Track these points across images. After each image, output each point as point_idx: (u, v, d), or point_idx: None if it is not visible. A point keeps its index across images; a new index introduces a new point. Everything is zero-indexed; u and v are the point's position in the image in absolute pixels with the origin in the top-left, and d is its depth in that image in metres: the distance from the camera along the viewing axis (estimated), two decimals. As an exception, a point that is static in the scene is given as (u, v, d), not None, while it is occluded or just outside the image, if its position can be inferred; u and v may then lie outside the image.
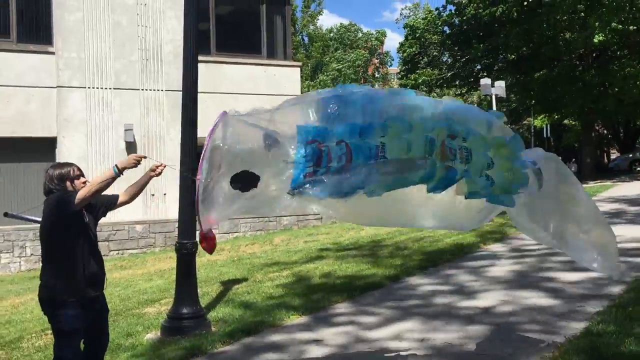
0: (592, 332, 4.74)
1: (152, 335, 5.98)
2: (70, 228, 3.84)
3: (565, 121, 36.98)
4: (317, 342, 5.29)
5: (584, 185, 22.04)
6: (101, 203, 4.12)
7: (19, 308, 8.78)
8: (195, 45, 6.36)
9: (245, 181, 3.49)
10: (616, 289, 6.19)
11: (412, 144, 3.29)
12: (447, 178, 3.37)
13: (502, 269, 7.88)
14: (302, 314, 6.26)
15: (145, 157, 3.87)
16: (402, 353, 4.79)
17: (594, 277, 6.56)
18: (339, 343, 5.21)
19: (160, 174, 4.13)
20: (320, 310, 6.39)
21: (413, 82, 37.03)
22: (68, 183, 3.93)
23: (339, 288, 7.23)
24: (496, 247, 9.72)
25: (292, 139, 3.38)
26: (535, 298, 6.20)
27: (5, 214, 4.51)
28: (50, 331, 6.63)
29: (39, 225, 4.03)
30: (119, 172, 3.75)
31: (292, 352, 5.04)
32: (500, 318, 5.59)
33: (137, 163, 3.77)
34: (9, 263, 13.34)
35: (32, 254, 13.45)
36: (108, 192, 3.93)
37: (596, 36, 23.83)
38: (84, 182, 4.00)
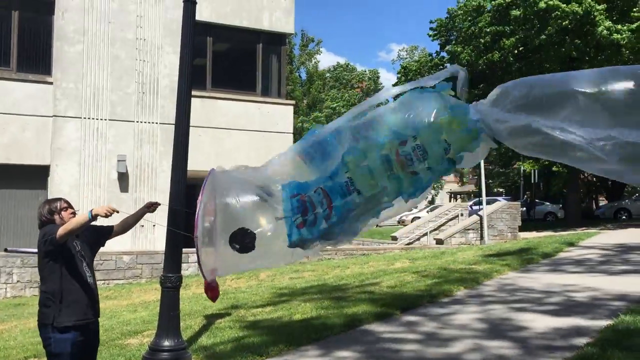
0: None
1: (133, 366, 6.08)
2: (59, 258, 4.10)
3: (554, 168, 37.52)
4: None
5: (569, 232, 22.33)
6: (98, 233, 4.43)
7: (3, 335, 8.82)
8: (190, 78, 6.61)
9: (241, 240, 3.57)
10: (583, 340, 6.36)
11: (373, 169, 3.54)
12: (416, 182, 3.59)
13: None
14: (281, 352, 6.40)
15: (117, 212, 4.05)
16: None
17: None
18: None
19: (154, 211, 4.41)
20: (297, 349, 6.53)
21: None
22: (56, 216, 4.24)
23: (313, 330, 7.31)
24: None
25: (278, 197, 3.60)
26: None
27: (6, 250, 4.80)
28: (33, 357, 6.76)
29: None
30: (93, 217, 3.98)
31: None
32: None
33: (108, 214, 3.98)
34: (-6, 289, 13.36)
35: (18, 281, 13.47)
36: (106, 222, 4.17)
37: None
38: (73, 213, 4.31)
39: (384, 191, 3.58)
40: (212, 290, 3.91)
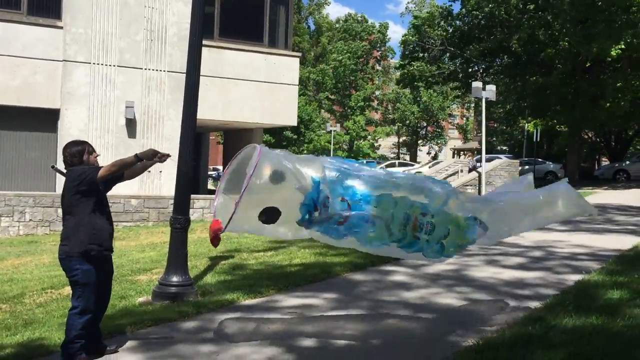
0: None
1: (144, 299, 6.61)
2: (90, 195, 4.51)
3: (557, 127, 37.67)
4: (285, 308, 5.95)
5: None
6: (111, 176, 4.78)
7: (19, 268, 9.39)
8: (201, 31, 6.91)
9: (269, 215, 4.53)
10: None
11: (394, 217, 4.59)
12: (412, 244, 4.68)
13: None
14: (280, 290, 6.92)
15: (169, 156, 4.78)
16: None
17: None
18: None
19: (163, 161, 4.82)
20: (288, 289, 7.04)
21: (410, 75, 37.57)
22: (85, 157, 4.63)
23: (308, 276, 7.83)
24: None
25: (307, 184, 4.54)
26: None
27: (52, 167, 5.34)
28: (50, 289, 7.30)
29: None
30: (138, 159, 4.56)
31: (261, 314, 5.70)
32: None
33: (153, 156, 4.65)
34: (8, 227, 13.92)
35: (30, 220, 14.04)
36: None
37: (613, 49, 24.36)
38: (96, 157, 4.74)
39: (390, 235, 4.61)
40: (217, 239, 4.55)
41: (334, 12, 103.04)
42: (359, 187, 4.58)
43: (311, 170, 4.62)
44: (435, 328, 5.45)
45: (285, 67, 17.86)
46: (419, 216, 4.62)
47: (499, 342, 4.73)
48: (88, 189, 4.48)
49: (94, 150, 4.73)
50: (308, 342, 5.07)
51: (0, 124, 14.88)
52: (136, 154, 4.57)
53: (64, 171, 4.64)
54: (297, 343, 5.04)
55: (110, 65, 15.70)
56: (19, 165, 15.07)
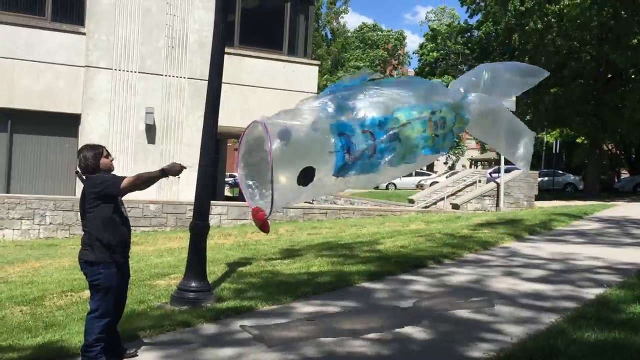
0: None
1: (162, 303, 6.64)
2: (109, 202, 4.53)
3: (577, 139, 37.37)
4: (301, 315, 5.94)
5: (586, 203, 22.59)
6: None
7: (40, 271, 9.49)
8: (223, 38, 6.97)
9: (306, 175, 4.41)
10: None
11: (415, 126, 4.76)
12: (437, 142, 4.91)
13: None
14: (297, 298, 6.91)
15: (185, 168, 4.66)
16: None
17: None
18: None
19: (178, 175, 4.74)
20: (306, 297, 7.03)
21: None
22: (101, 160, 4.63)
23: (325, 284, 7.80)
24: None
25: (326, 131, 4.46)
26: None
27: (76, 172, 5.34)
28: (70, 292, 7.36)
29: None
30: (164, 175, 4.55)
31: (278, 320, 5.70)
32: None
33: (179, 172, 4.57)
34: (28, 229, 14.10)
35: (50, 223, 14.20)
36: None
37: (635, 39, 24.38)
38: (112, 160, 4.74)
39: (416, 144, 4.77)
40: (266, 225, 4.39)
41: (352, 20, 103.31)
42: (370, 114, 4.62)
43: (318, 117, 4.53)
44: (452, 339, 5.40)
45: (303, 75, 17.94)
46: (430, 116, 4.83)
47: (519, 354, 4.68)
48: (108, 198, 4.50)
49: (109, 154, 4.73)
50: (321, 349, 5.05)
51: (23, 128, 15.11)
52: (163, 169, 4.53)
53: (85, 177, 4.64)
54: (311, 350, 5.02)
55: (131, 72, 15.88)
56: (40, 169, 15.27)
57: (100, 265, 4.49)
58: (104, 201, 4.51)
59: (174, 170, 4.57)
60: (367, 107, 4.64)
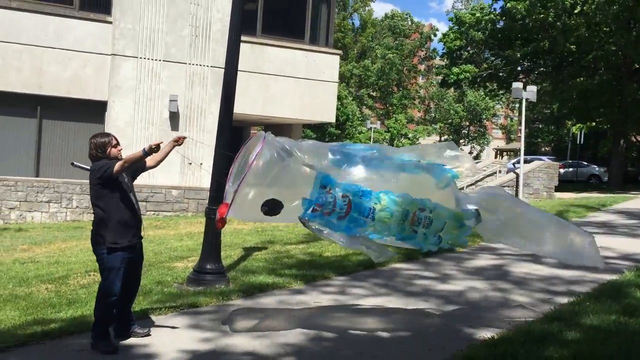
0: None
1: (179, 284, 6.97)
2: (113, 188, 4.80)
3: (603, 127, 36.89)
4: (312, 298, 6.20)
5: (608, 195, 22.44)
6: (135, 167, 5.07)
7: (65, 252, 9.91)
8: (239, 27, 7.20)
9: (271, 207, 4.67)
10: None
11: (394, 214, 4.75)
12: (410, 237, 4.87)
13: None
14: (308, 281, 7.18)
15: (185, 138, 5.03)
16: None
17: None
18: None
19: (181, 144, 5.09)
20: (317, 280, 7.31)
21: (455, 77, 37.42)
22: (108, 149, 4.89)
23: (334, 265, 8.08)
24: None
25: (312, 178, 4.65)
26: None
27: (72, 164, 5.58)
28: (93, 272, 7.72)
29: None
30: (147, 153, 4.78)
31: (287, 305, 5.97)
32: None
33: (155, 150, 4.81)
34: (56, 212, 14.61)
35: (77, 206, 14.69)
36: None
37: None
38: (120, 150, 4.99)
39: (389, 229, 4.79)
40: (222, 222, 4.74)
41: (378, 9, 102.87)
42: (361, 183, 4.71)
43: (315, 160, 4.73)
44: (459, 320, 5.62)
45: (325, 64, 18.09)
46: (417, 211, 4.78)
47: (514, 337, 4.88)
48: (108, 181, 4.75)
49: (118, 144, 4.97)
50: (336, 329, 5.31)
51: (51, 114, 15.57)
52: (144, 149, 4.77)
53: (83, 166, 4.91)
54: (325, 329, 5.28)
55: (156, 60, 16.22)
56: (67, 155, 15.74)
57: (104, 247, 4.76)
58: (106, 186, 4.76)
59: (151, 149, 4.76)
60: (361, 176, 4.76)
